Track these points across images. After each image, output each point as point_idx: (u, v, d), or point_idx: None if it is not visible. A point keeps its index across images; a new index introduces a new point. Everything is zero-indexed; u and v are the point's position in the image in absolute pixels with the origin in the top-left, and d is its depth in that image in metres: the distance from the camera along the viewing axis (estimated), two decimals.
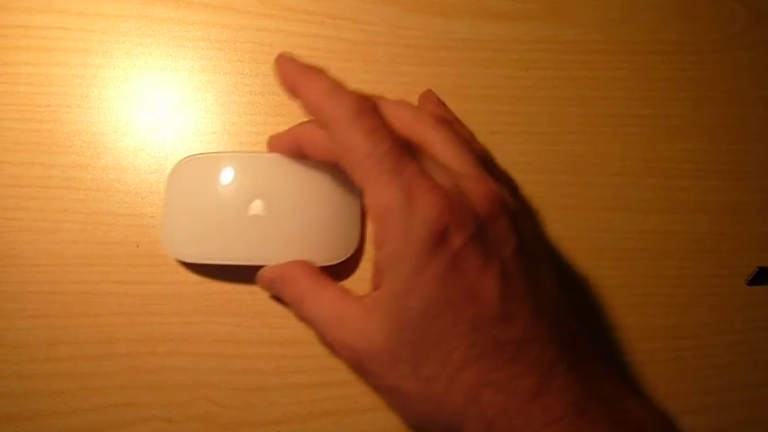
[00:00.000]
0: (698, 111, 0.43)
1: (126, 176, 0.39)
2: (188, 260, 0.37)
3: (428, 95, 0.39)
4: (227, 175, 0.37)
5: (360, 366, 0.27)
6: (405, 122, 0.30)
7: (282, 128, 0.40)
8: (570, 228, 0.40)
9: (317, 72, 0.29)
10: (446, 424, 0.25)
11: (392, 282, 0.25)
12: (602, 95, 0.42)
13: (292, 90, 0.30)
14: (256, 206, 0.36)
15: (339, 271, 0.38)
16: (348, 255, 0.37)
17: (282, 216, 0.37)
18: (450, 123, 0.33)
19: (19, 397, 0.35)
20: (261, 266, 0.36)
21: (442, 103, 0.39)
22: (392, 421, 0.36)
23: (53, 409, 0.35)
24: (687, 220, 0.40)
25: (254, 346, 0.37)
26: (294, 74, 0.30)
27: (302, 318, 0.31)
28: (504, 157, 0.41)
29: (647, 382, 0.37)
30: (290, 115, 0.40)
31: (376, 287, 0.27)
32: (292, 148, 0.34)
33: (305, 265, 0.33)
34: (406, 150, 0.27)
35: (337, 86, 0.28)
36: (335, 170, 0.38)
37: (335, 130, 0.27)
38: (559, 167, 0.41)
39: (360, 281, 0.38)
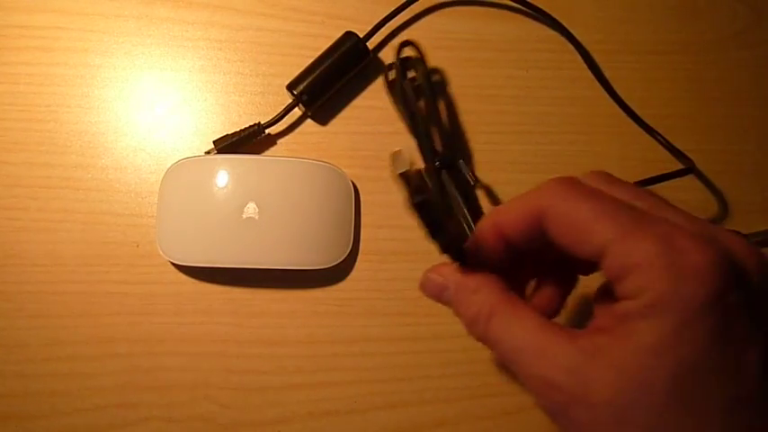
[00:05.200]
0: (698, 111, 0.43)
1: (126, 176, 0.39)
2: (182, 263, 0.37)
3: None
4: (220, 179, 0.37)
5: (563, 411, 0.23)
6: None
7: (281, 128, 0.40)
8: None
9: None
10: None
11: (641, 333, 0.22)
12: (602, 95, 0.42)
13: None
14: (250, 209, 0.36)
15: (333, 274, 0.38)
16: (341, 258, 0.37)
17: (276, 219, 0.37)
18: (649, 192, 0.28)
19: (19, 397, 0.35)
20: (256, 269, 0.36)
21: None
22: (392, 421, 0.36)
23: (53, 409, 0.35)
24: None
25: (254, 346, 0.37)
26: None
27: (483, 338, 0.26)
28: (504, 157, 0.41)
29: None
30: (289, 115, 0.40)
31: (598, 329, 0.23)
32: (496, 237, 0.27)
33: (489, 276, 0.27)
34: (633, 206, 0.23)
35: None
36: (329, 173, 0.38)
37: (552, 207, 0.24)
38: (559, 167, 0.41)
39: (356, 281, 0.38)
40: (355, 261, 0.38)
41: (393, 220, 0.39)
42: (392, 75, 0.40)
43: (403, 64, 0.39)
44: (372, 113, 0.41)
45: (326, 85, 0.39)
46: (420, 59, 0.40)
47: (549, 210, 0.24)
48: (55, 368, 0.36)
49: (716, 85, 0.43)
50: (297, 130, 0.41)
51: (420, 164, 0.38)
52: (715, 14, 0.44)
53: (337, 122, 0.41)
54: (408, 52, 0.40)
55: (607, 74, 0.42)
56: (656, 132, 0.41)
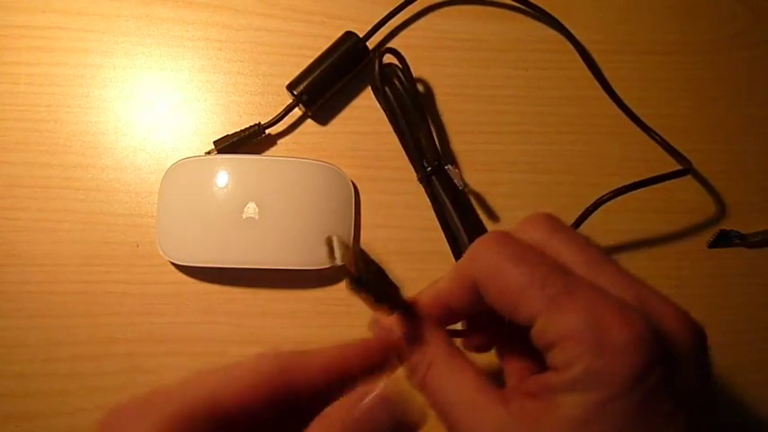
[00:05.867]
0: (698, 111, 0.43)
1: (126, 176, 0.39)
2: (182, 263, 0.37)
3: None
4: (220, 179, 0.37)
5: None
6: (538, 243, 0.26)
7: (281, 128, 0.40)
8: None
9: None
10: None
11: (565, 407, 0.22)
12: (602, 95, 0.42)
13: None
14: (250, 209, 0.36)
15: (333, 274, 0.38)
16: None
17: (276, 219, 0.37)
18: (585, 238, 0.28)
19: (19, 397, 0.35)
20: (256, 269, 0.37)
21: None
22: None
23: (53, 409, 0.35)
24: (685, 219, 0.40)
25: (254, 346, 0.37)
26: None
27: (420, 387, 0.27)
28: (505, 157, 0.41)
29: None
30: (289, 115, 0.40)
31: (528, 393, 0.24)
32: (439, 307, 0.28)
33: (439, 330, 0.27)
34: (563, 270, 0.24)
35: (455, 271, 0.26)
36: (329, 173, 0.38)
37: (483, 276, 0.25)
38: (559, 167, 0.41)
39: None
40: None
41: (393, 220, 0.39)
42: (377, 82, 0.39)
43: (383, 72, 0.38)
44: (372, 113, 0.41)
45: (326, 85, 0.39)
46: (400, 68, 0.39)
47: (480, 279, 0.25)
48: (55, 368, 0.36)
49: (715, 85, 0.43)
50: (297, 131, 0.41)
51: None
52: (715, 14, 0.44)
53: (337, 122, 0.41)
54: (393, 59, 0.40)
55: (606, 74, 0.43)
56: (654, 132, 0.41)
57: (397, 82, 0.39)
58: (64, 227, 0.38)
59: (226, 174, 0.37)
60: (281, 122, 0.39)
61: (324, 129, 0.41)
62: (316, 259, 0.37)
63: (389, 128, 0.40)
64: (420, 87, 0.41)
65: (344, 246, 0.23)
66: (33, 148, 0.39)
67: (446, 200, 0.38)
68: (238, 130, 0.39)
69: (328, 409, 0.23)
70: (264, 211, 0.36)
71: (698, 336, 0.23)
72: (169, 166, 0.38)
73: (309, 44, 0.41)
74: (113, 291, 0.37)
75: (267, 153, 0.40)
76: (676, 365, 0.23)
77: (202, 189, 0.37)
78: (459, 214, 0.38)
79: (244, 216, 0.36)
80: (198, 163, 0.38)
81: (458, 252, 0.38)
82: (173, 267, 0.38)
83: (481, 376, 0.25)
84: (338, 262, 0.22)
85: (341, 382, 0.24)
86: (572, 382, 0.22)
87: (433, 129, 0.40)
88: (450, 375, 0.26)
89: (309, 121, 0.41)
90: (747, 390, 0.38)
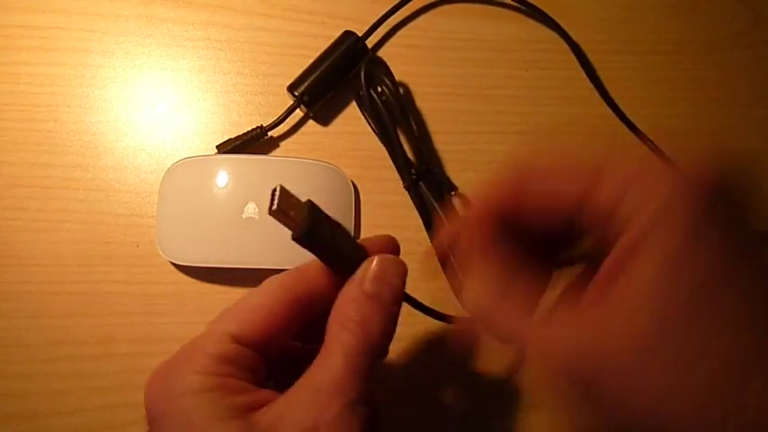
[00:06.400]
0: (698, 111, 0.43)
1: (126, 176, 0.39)
2: (182, 263, 0.37)
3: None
4: (220, 179, 0.37)
5: (589, 386, 0.20)
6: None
7: (281, 128, 0.40)
8: None
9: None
10: None
11: (646, 261, 0.19)
12: (603, 95, 0.42)
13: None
14: (250, 209, 0.36)
15: None
16: None
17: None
18: None
19: (19, 397, 0.35)
20: (256, 269, 0.36)
21: None
22: (391, 419, 0.36)
23: (53, 409, 0.35)
24: None
25: None
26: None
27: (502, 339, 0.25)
28: (504, 157, 0.41)
29: None
30: (290, 116, 0.40)
31: (598, 290, 0.21)
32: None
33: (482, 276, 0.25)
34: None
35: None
36: (329, 173, 0.38)
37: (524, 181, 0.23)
38: None
39: None
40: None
41: (393, 220, 0.39)
42: (362, 91, 0.38)
43: (368, 80, 0.38)
44: None
45: (327, 86, 0.39)
46: (383, 77, 0.38)
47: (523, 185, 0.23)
48: (55, 368, 0.36)
49: (716, 85, 0.43)
50: (297, 131, 0.41)
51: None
52: (715, 14, 0.44)
53: (337, 122, 0.41)
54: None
55: (608, 74, 0.42)
56: (645, 136, 0.40)
57: (382, 90, 0.38)
58: (64, 227, 0.38)
59: (226, 174, 0.37)
60: (282, 123, 0.39)
61: (324, 129, 0.41)
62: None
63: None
64: (419, 87, 0.41)
65: (288, 196, 0.23)
66: (33, 148, 0.39)
67: (436, 205, 0.38)
68: (240, 132, 0.39)
69: (339, 300, 0.24)
70: (265, 211, 0.36)
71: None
72: (169, 166, 0.38)
73: (310, 44, 0.41)
74: (113, 291, 0.37)
75: (267, 153, 0.40)
76: (736, 201, 0.20)
77: (202, 189, 0.37)
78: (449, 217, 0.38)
79: (244, 216, 0.36)
80: (198, 163, 0.38)
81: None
82: (173, 267, 0.38)
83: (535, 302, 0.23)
84: (272, 210, 0.22)
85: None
86: (657, 215, 0.19)
87: (416, 133, 0.39)
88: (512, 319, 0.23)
89: (310, 121, 0.41)
90: None
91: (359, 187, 0.39)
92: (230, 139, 0.39)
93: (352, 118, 0.41)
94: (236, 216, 0.36)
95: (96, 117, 0.40)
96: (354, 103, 0.41)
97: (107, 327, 0.37)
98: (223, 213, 0.37)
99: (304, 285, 0.26)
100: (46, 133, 0.39)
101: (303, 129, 0.41)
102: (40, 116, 0.39)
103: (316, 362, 0.24)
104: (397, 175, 0.39)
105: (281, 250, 0.37)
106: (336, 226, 0.24)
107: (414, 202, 0.38)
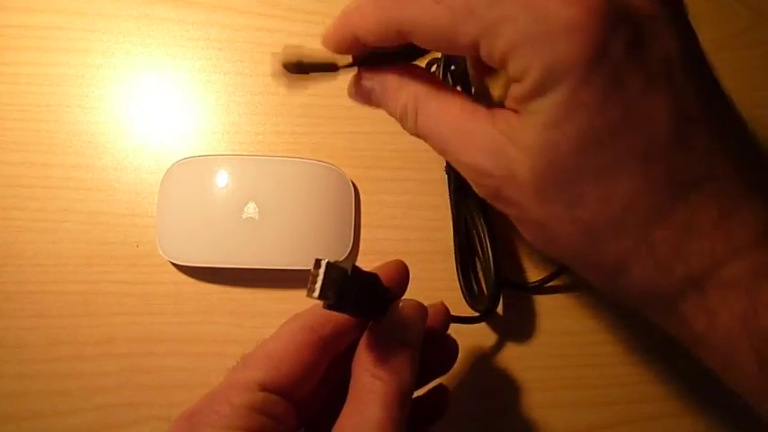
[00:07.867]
0: None
1: (126, 176, 0.39)
2: (182, 263, 0.37)
3: None
4: (220, 179, 0.37)
5: (497, 194, 0.23)
6: None
7: (281, 128, 0.40)
8: None
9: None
10: (603, 265, 0.22)
11: (539, 112, 0.21)
12: None
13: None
14: (250, 209, 0.36)
15: None
16: (341, 258, 0.37)
17: (276, 219, 0.37)
18: None
19: (19, 397, 0.35)
20: (256, 269, 0.37)
21: None
22: None
23: (53, 409, 0.35)
24: None
25: (254, 346, 0.37)
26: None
27: (415, 133, 0.26)
28: None
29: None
30: (289, 115, 0.40)
31: (511, 109, 0.22)
32: (346, 39, 0.26)
33: (416, 67, 0.26)
34: None
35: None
36: (329, 173, 0.38)
37: (411, 23, 0.22)
38: None
39: None
40: (355, 261, 0.38)
41: (393, 220, 0.39)
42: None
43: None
44: (372, 113, 0.40)
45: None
46: None
47: (409, 26, 0.22)
48: (55, 368, 0.36)
49: None
50: (297, 131, 0.40)
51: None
52: (715, 14, 0.44)
53: (337, 122, 0.41)
54: None
55: None
56: None
57: None
58: (64, 227, 0.38)
59: (226, 174, 0.37)
60: (281, 122, 0.39)
61: (324, 129, 0.41)
62: None
63: (389, 128, 0.40)
64: None
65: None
66: (33, 147, 0.39)
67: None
68: (242, 130, 0.38)
69: (365, 344, 0.24)
70: (264, 211, 0.36)
71: None
72: (169, 166, 0.38)
73: (309, 44, 0.41)
74: (113, 291, 0.37)
75: (267, 153, 0.40)
76: (643, 29, 0.20)
77: (202, 189, 0.37)
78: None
79: (244, 216, 0.36)
80: (198, 163, 0.38)
81: (467, 245, 0.38)
82: (173, 267, 0.38)
83: (467, 102, 0.24)
84: (315, 295, 0.21)
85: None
86: (535, 87, 0.20)
87: None
88: (437, 112, 0.24)
89: (309, 120, 0.41)
90: None
91: (359, 187, 0.39)
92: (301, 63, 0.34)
93: (351, 118, 0.41)
94: (235, 216, 0.36)
95: (96, 117, 0.40)
96: (354, 104, 0.41)
97: (107, 327, 0.37)
98: (223, 213, 0.37)
99: (330, 325, 0.25)
100: (46, 133, 0.39)
101: (302, 128, 0.41)
102: (40, 116, 0.39)
103: (347, 412, 0.23)
104: (397, 175, 0.39)
105: (281, 250, 0.37)
106: (365, 277, 0.24)
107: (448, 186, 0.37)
